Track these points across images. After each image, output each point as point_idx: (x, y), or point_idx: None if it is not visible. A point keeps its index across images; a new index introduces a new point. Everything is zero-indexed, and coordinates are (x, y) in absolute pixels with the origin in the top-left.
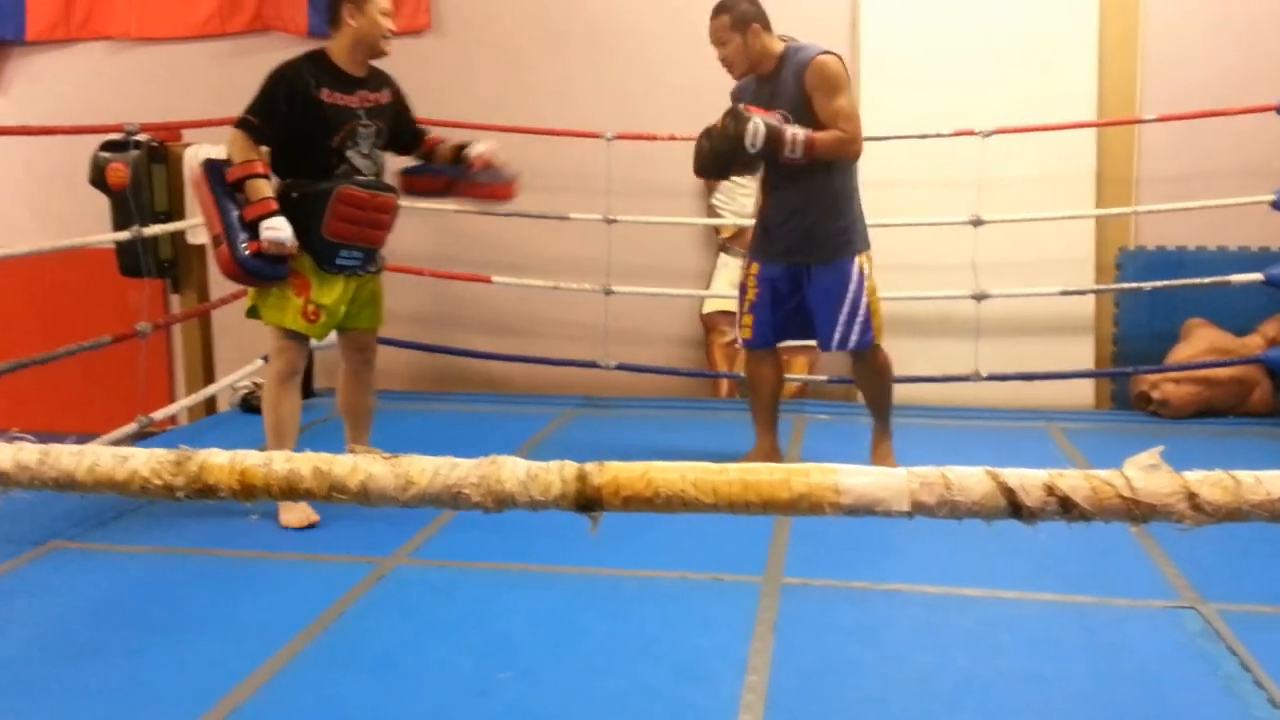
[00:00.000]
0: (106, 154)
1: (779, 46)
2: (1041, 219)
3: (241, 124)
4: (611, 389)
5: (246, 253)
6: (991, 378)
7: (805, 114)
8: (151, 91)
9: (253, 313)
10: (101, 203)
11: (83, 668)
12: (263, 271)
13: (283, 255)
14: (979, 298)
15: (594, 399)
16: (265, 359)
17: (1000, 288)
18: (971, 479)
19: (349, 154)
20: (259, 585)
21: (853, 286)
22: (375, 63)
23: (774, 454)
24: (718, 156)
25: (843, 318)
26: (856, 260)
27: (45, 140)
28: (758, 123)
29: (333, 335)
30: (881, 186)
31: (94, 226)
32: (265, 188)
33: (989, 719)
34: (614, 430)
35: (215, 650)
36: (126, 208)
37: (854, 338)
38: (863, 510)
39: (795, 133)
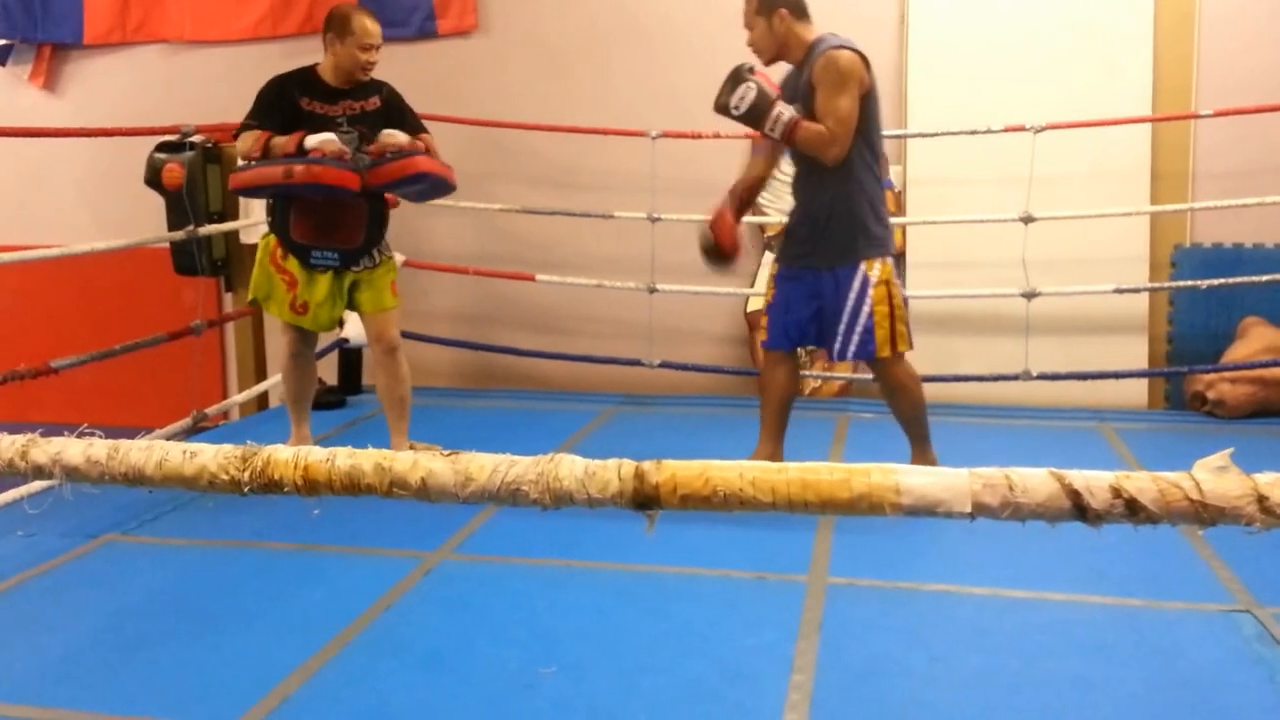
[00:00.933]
0: (162, 155)
1: (810, 36)
2: (1094, 216)
3: (242, 128)
4: (655, 387)
5: (315, 157)
6: (1042, 377)
7: (811, 106)
8: (205, 93)
9: (254, 302)
10: (157, 203)
11: (138, 658)
12: (339, 167)
13: (342, 154)
14: (1029, 296)
15: (637, 397)
16: (316, 355)
17: (1051, 285)
18: (1035, 480)
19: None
20: (307, 579)
21: (853, 294)
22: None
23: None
24: (716, 109)
25: (842, 326)
26: (861, 267)
27: (102, 141)
28: (750, 86)
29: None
30: (930, 183)
31: (149, 226)
32: (287, 140)
33: None
34: (657, 429)
35: (265, 642)
36: (181, 208)
37: (853, 348)
38: (923, 511)
39: (783, 112)
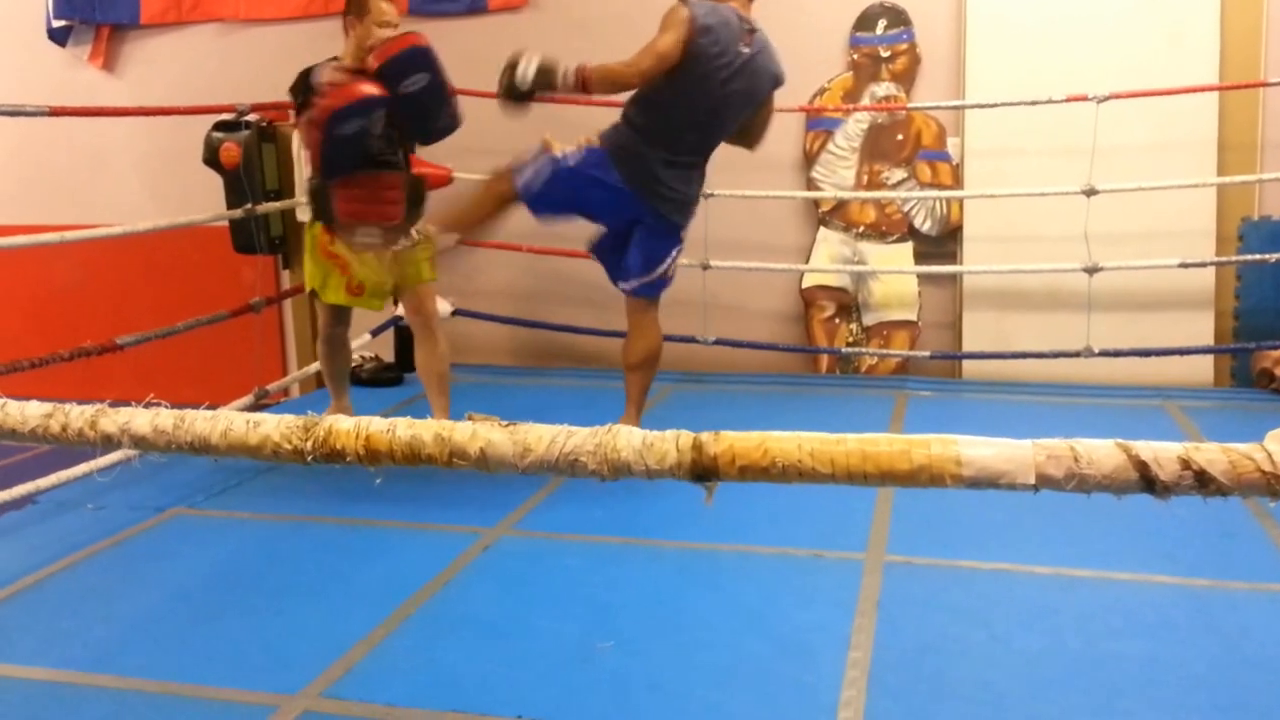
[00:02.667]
0: (219, 134)
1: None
2: (1159, 188)
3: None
4: (710, 364)
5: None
6: (1104, 353)
7: None
8: (260, 72)
9: (314, 294)
10: (215, 182)
11: (205, 629)
12: (347, 82)
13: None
14: (1091, 271)
15: (693, 374)
16: (373, 333)
17: (1114, 260)
18: (1101, 451)
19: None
20: (368, 552)
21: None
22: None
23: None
24: (503, 96)
25: None
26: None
27: (160, 121)
28: (529, 58)
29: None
30: (989, 155)
31: (208, 205)
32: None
33: (1100, 703)
34: (713, 406)
35: (328, 614)
36: (239, 186)
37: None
38: (985, 483)
39: (565, 67)
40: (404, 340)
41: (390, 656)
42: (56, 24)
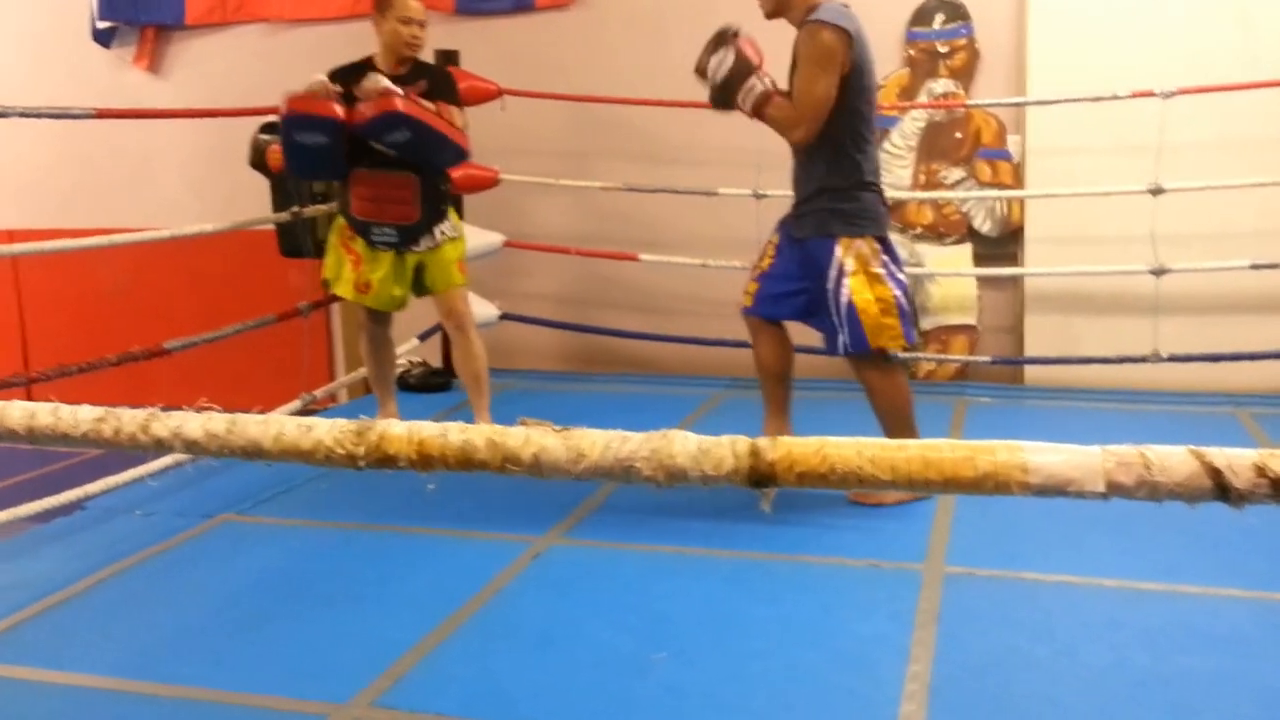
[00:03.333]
0: (265, 136)
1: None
2: (1229, 186)
3: None
4: None
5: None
6: (1173, 359)
7: (791, 79)
8: (307, 72)
9: (326, 284)
10: (261, 184)
11: (253, 636)
12: (321, 99)
13: (324, 86)
14: (1158, 273)
15: (746, 380)
16: (420, 338)
17: (1182, 262)
18: (1173, 458)
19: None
20: (418, 560)
21: (831, 281)
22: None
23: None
24: (696, 71)
25: (834, 319)
26: (837, 247)
27: (206, 123)
28: (729, 52)
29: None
30: (1051, 154)
31: (253, 208)
32: None
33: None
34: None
35: (378, 622)
36: (285, 189)
37: (844, 340)
38: (1053, 491)
39: (756, 84)
40: (450, 345)
41: (441, 666)
42: (101, 25)
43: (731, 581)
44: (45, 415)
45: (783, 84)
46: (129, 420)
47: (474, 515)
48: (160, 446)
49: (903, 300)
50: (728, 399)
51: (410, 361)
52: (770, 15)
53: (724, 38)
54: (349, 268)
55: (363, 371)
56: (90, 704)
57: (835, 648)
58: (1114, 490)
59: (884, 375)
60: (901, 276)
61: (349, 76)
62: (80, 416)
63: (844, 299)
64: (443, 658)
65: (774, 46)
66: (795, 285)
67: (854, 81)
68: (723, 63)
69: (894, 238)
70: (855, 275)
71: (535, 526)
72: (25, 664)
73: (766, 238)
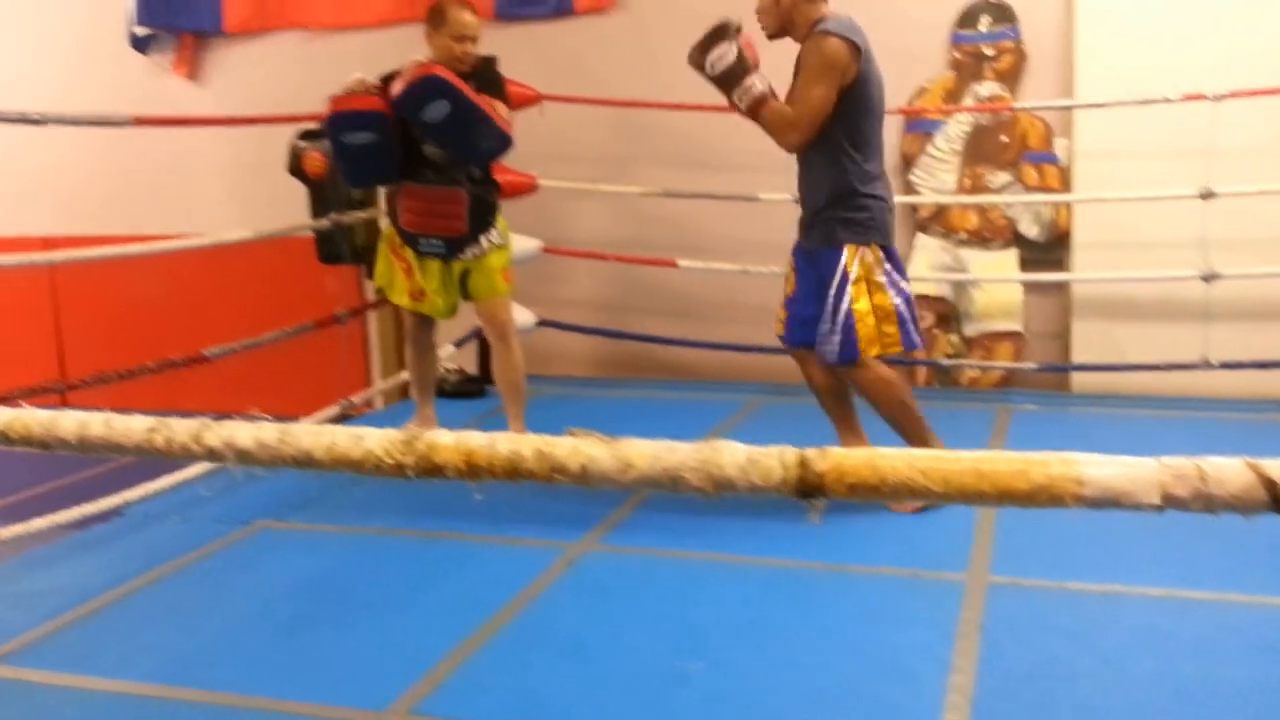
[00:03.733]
0: (303, 143)
1: (816, 14)
2: None
3: None
4: (794, 375)
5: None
6: (1224, 366)
7: (791, 89)
8: (343, 79)
9: (380, 291)
10: (299, 191)
11: (290, 643)
12: (360, 94)
13: (361, 82)
14: (1208, 278)
15: (784, 386)
16: (456, 344)
17: (1234, 267)
18: (1229, 470)
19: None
20: (453, 566)
21: (833, 288)
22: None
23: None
24: (690, 62)
25: (825, 325)
26: (843, 255)
27: (244, 130)
28: (730, 47)
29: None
30: (1099, 157)
31: (290, 214)
32: None
33: None
34: (806, 419)
35: (415, 628)
36: (324, 196)
37: (834, 349)
38: (1107, 503)
39: (755, 84)
40: (486, 352)
41: (477, 673)
42: (139, 32)
43: (769, 589)
44: (98, 426)
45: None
46: (181, 430)
47: (509, 521)
48: (213, 457)
49: (903, 308)
50: (765, 405)
51: (447, 368)
52: (773, 36)
53: (725, 31)
54: (401, 276)
55: (400, 378)
56: (127, 710)
57: (875, 658)
58: (1169, 503)
59: (871, 374)
60: (904, 285)
61: (393, 79)
62: (132, 427)
63: (844, 306)
64: (479, 665)
65: (774, 60)
66: (818, 305)
67: (859, 91)
68: (723, 57)
69: (937, 243)
70: (857, 283)
71: (570, 532)
72: (63, 670)
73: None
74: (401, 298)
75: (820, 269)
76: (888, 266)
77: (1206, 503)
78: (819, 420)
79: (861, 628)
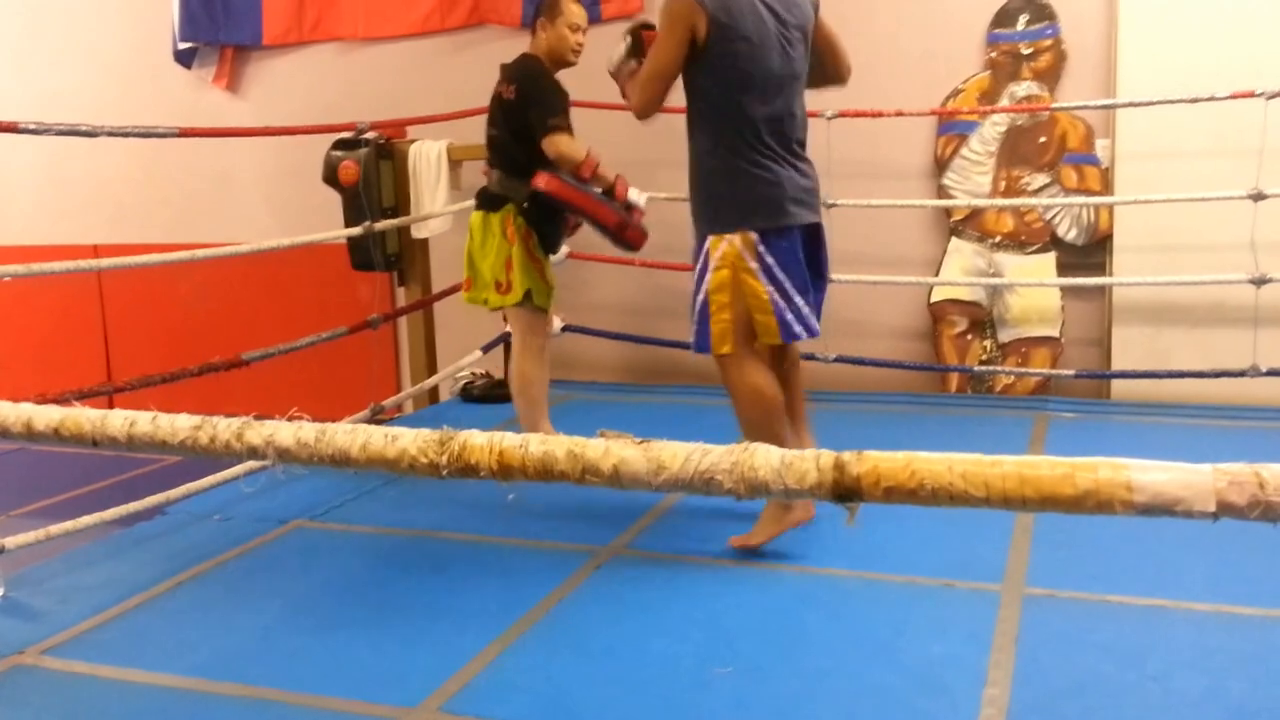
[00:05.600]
0: (338, 152)
1: None
2: None
3: (554, 129)
4: (830, 383)
5: (640, 221)
6: (1272, 373)
7: None
8: (379, 89)
9: (529, 296)
10: (334, 199)
11: (324, 640)
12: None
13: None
14: (1259, 282)
15: (812, 393)
16: (484, 349)
17: None
18: None
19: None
20: (483, 569)
21: (696, 273)
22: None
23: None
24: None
25: (692, 314)
26: (706, 242)
27: (283, 140)
28: (625, 39)
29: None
30: (1144, 158)
31: (327, 222)
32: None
33: None
34: (833, 425)
35: (445, 628)
36: (358, 204)
37: (692, 338)
38: (1159, 510)
39: (634, 65)
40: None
41: (506, 674)
42: (182, 46)
43: (799, 596)
44: (145, 424)
45: None
46: (224, 429)
47: (538, 523)
48: (254, 454)
49: (776, 296)
50: None
51: (473, 373)
52: None
53: (633, 30)
54: (538, 277)
55: (428, 383)
56: (168, 703)
57: (907, 668)
58: (1225, 511)
59: (737, 374)
60: (785, 273)
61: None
62: (178, 425)
63: (700, 296)
64: (508, 666)
65: None
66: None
67: (721, 50)
68: (614, 52)
69: (972, 246)
70: (718, 271)
71: (598, 536)
72: (107, 663)
73: (836, 246)
74: (546, 299)
75: (695, 256)
76: (762, 250)
77: (1265, 511)
78: (849, 424)
79: (894, 637)
